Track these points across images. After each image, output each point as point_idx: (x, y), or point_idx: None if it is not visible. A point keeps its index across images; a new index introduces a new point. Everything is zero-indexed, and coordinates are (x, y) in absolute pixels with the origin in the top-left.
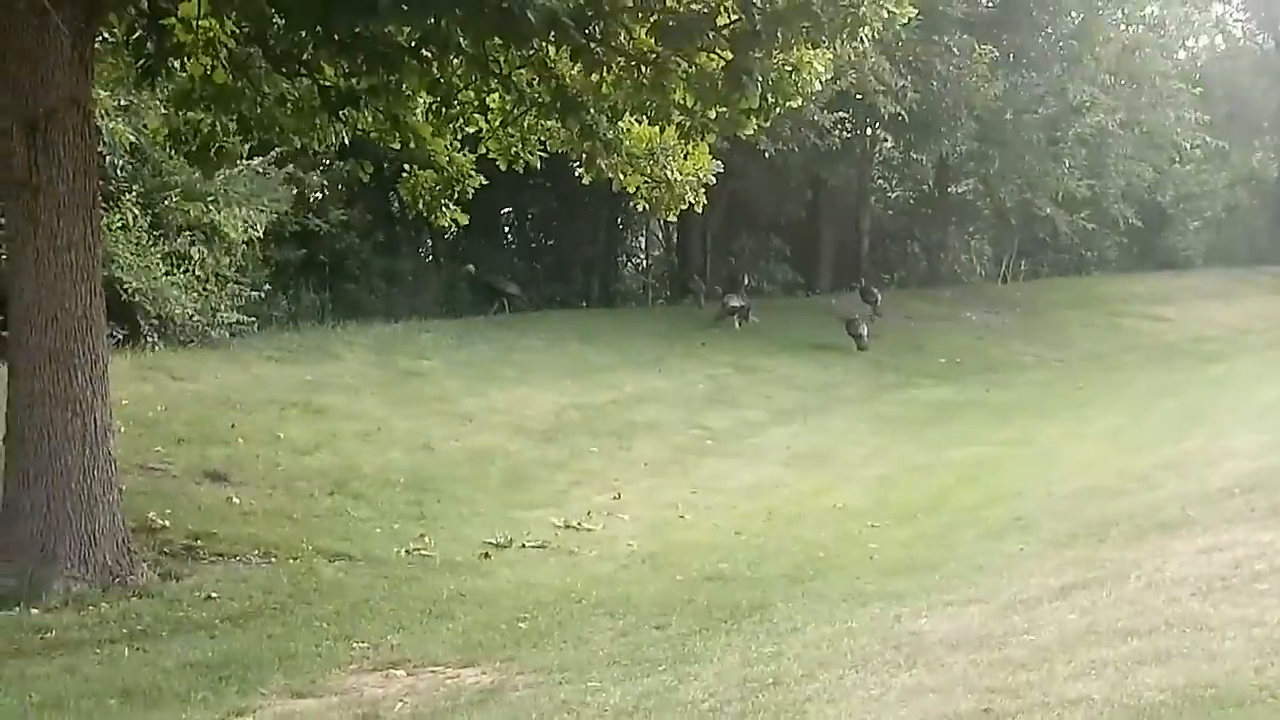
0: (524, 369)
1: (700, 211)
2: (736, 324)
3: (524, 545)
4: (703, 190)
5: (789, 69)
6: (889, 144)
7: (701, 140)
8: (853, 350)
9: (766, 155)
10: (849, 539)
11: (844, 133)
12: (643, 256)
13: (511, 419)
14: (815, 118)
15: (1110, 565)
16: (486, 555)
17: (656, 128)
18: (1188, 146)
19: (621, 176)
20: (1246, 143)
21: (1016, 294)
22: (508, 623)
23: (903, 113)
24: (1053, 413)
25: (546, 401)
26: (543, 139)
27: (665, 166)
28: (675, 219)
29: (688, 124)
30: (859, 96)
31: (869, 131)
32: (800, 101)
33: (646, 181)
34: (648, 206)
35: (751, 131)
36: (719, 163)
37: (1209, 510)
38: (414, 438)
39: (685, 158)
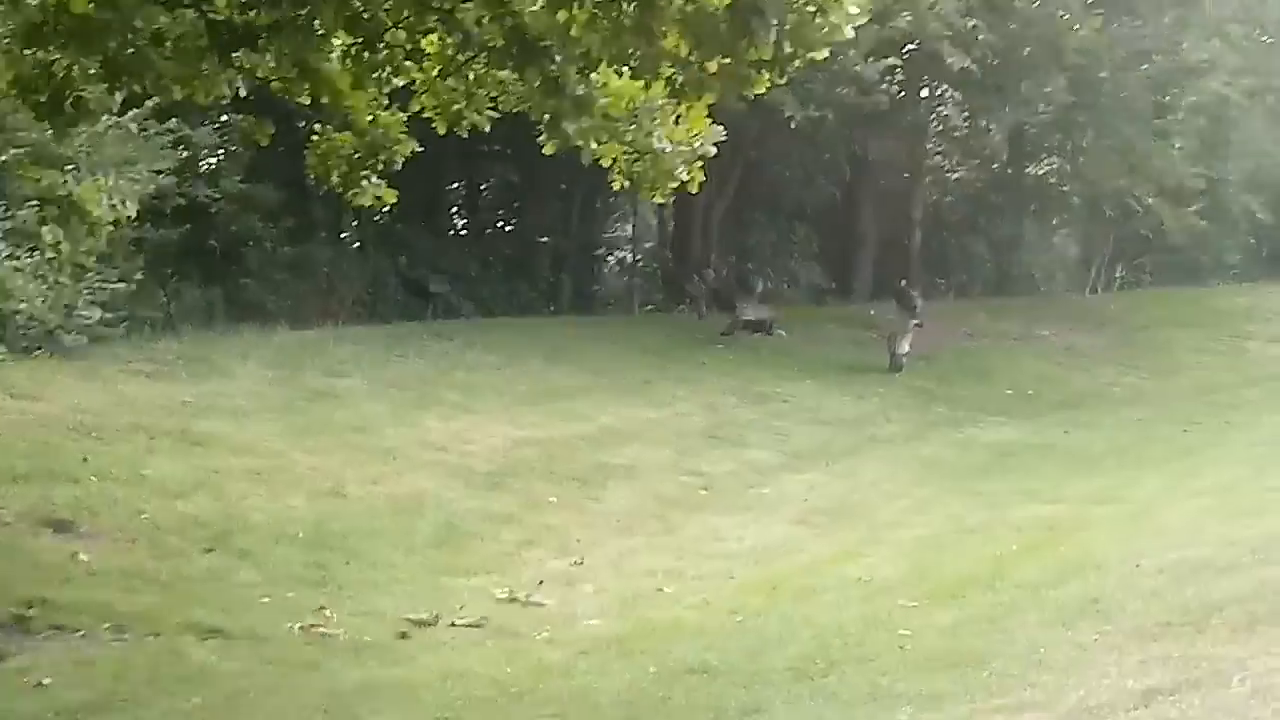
0: (469, 392)
1: (697, 192)
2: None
3: (454, 623)
4: (700, 165)
5: (812, 10)
6: (951, 107)
7: (699, 100)
8: (894, 378)
9: (792, 121)
10: (875, 622)
11: (893, 87)
12: (629, 250)
13: (449, 457)
14: (857, 68)
15: (1208, 664)
16: (405, 635)
17: (641, 83)
18: None
19: (595, 145)
20: None
21: (1110, 307)
22: None
23: (972, 65)
24: (1150, 462)
25: (496, 435)
26: (494, 95)
27: (651, 133)
28: (668, 202)
29: (681, 79)
30: (915, 44)
31: (925, 92)
32: (826, 52)
33: (627, 152)
34: (628, 185)
35: (764, 90)
36: (721, 129)
37: None
38: (321, 479)
39: (677, 122)
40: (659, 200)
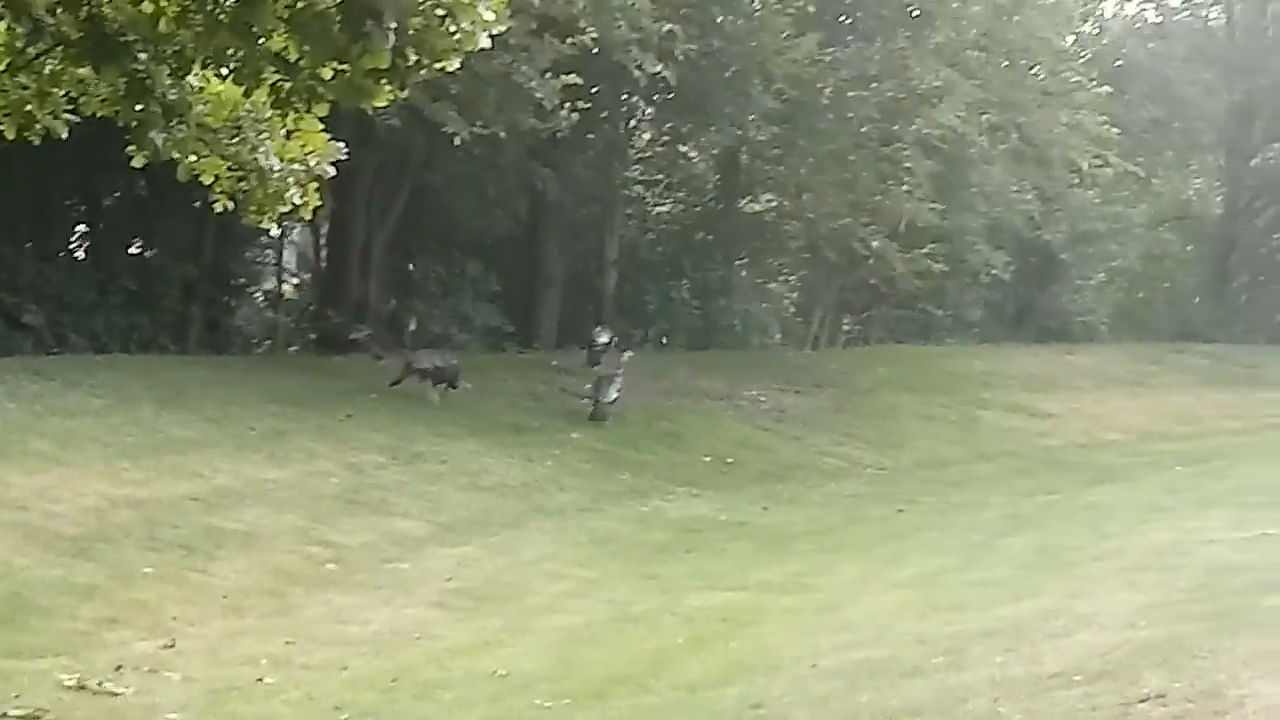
0: (64, 442)
1: (312, 219)
2: (435, 396)
3: (6, 714)
4: (316, 188)
5: (440, 14)
6: (649, 127)
7: (308, 112)
8: (573, 440)
9: (455, 139)
10: None
11: (574, 113)
12: (275, 282)
13: (29, 518)
14: (533, 85)
15: None
16: None
17: (242, 89)
18: (1085, 166)
19: (192, 159)
20: (1178, 163)
21: (830, 366)
22: None
23: (664, 73)
24: (852, 546)
25: (89, 493)
26: (73, 96)
27: (256, 148)
28: (324, 230)
29: (287, 86)
30: (601, 56)
31: (625, 112)
32: (458, 62)
33: (231, 168)
34: (232, 206)
35: (385, 104)
36: (343, 146)
37: (1032, 704)
38: None
39: (289, 137)
40: (267, 225)
